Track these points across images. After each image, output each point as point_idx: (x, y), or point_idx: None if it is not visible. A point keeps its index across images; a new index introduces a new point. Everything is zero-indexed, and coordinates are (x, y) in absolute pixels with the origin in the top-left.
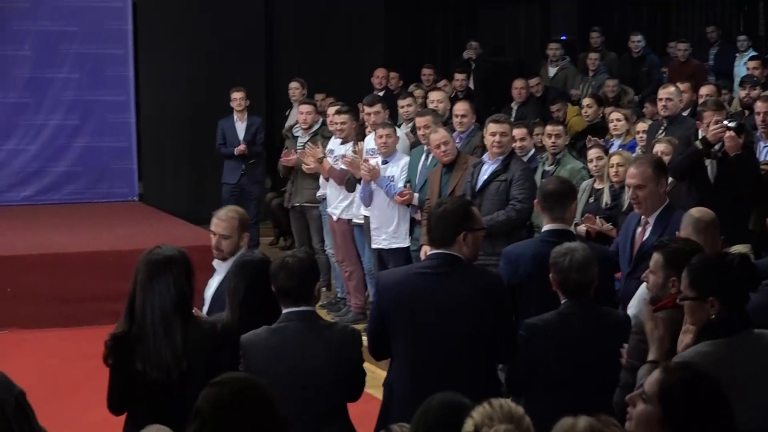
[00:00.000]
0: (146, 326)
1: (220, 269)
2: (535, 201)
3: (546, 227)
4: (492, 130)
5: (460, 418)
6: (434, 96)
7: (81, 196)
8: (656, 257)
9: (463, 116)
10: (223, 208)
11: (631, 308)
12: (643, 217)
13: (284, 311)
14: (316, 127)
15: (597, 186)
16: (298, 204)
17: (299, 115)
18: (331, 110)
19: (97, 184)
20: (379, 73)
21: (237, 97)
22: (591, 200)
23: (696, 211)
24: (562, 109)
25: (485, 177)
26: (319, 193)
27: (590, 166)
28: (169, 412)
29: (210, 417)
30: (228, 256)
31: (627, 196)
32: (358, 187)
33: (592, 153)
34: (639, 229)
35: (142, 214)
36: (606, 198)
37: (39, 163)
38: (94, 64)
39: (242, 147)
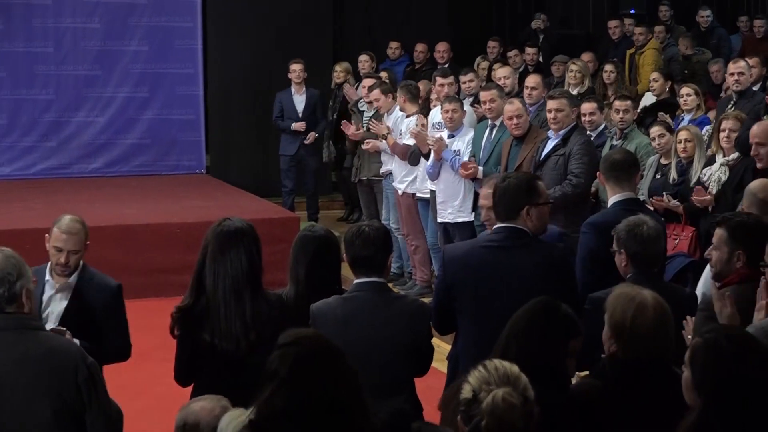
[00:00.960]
0: (217, 297)
1: (64, 287)
2: (598, 173)
3: (615, 198)
4: (548, 106)
5: None
6: (501, 72)
7: (149, 168)
8: (719, 232)
9: (533, 89)
10: (66, 218)
11: (701, 286)
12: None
13: (356, 281)
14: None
15: (663, 162)
16: (365, 178)
17: (363, 89)
18: (366, 82)
19: (165, 156)
20: (441, 47)
21: (296, 69)
22: (658, 176)
23: (756, 186)
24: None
25: (546, 151)
26: (382, 169)
27: (653, 144)
28: (235, 382)
29: (289, 376)
30: (74, 272)
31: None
32: (422, 161)
33: (654, 131)
34: None
35: (209, 187)
36: (673, 174)
37: (108, 136)
38: (163, 36)
39: (300, 124)
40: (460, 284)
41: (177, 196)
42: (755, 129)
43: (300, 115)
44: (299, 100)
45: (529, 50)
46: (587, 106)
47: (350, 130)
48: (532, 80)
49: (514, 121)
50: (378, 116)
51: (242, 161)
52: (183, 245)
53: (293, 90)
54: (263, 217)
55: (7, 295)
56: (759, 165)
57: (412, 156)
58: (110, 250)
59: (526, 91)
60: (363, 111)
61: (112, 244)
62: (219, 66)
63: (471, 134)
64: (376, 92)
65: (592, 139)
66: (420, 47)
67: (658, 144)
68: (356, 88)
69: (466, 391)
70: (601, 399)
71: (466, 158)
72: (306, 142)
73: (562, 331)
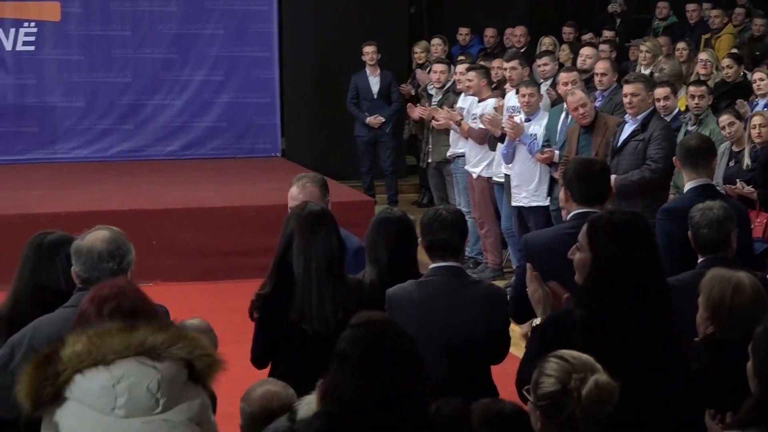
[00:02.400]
0: (307, 279)
1: None
2: (674, 158)
3: (691, 184)
4: (624, 90)
5: None
6: (585, 51)
7: (225, 151)
8: None
9: (603, 74)
10: None
11: None
12: None
13: (432, 266)
14: (447, 84)
15: (735, 149)
16: (434, 161)
17: (433, 74)
18: (461, 67)
19: (241, 139)
20: (518, 31)
21: (369, 51)
22: (731, 164)
23: None
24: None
25: (624, 136)
26: (449, 153)
27: (723, 133)
28: (316, 363)
29: (358, 358)
30: None
31: None
32: (499, 146)
33: (723, 120)
34: None
35: (284, 170)
36: (747, 160)
37: (184, 119)
38: (240, 20)
39: (374, 120)
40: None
41: (252, 179)
42: None
43: (374, 96)
44: (374, 82)
45: (607, 33)
46: (660, 91)
47: (415, 112)
48: (602, 66)
49: (580, 110)
50: (444, 102)
51: (317, 144)
52: (258, 228)
53: (368, 72)
54: (338, 200)
55: (116, 269)
56: None
57: (492, 140)
58: (186, 232)
59: (596, 77)
60: (432, 95)
61: (188, 227)
62: (294, 49)
63: (547, 118)
64: (472, 74)
65: None
66: (490, 32)
67: (729, 133)
68: (427, 72)
69: (550, 384)
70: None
71: (542, 142)
72: (369, 124)
73: None
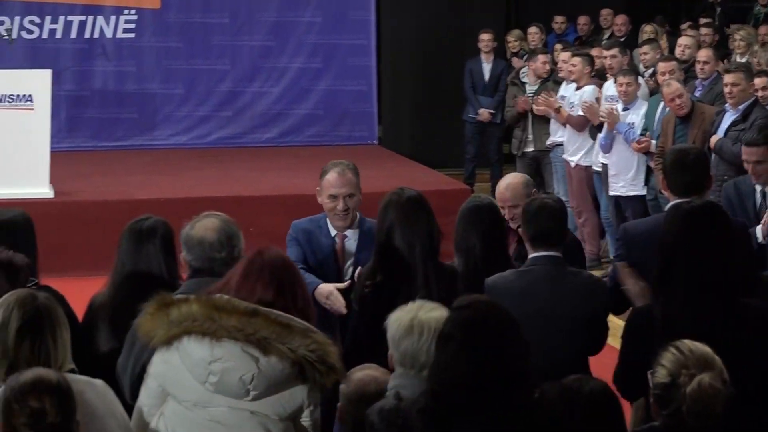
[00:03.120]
0: (412, 265)
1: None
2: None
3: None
4: (724, 80)
5: None
6: (683, 41)
7: (322, 138)
8: None
9: (705, 63)
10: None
11: None
12: None
13: (532, 255)
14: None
15: None
16: (532, 150)
17: (536, 63)
18: (565, 55)
19: (338, 127)
20: (619, 20)
21: (484, 39)
22: None
23: None
24: None
25: (724, 126)
26: (549, 141)
27: None
28: None
29: (462, 339)
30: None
31: None
32: (599, 135)
33: None
34: None
35: (380, 158)
36: None
37: (282, 106)
38: (337, 7)
39: (485, 113)
40: (644, 264)
41: None
42: None
43: (486, 83)
44: (487, 69)
45: (705, 21)
46: (759, 81)
47: (520, 105)
48: (703, 54)
49: (677, 101)
50: (543, 91)
51: (414, 132)
52: None
53: (482, 59)
54: (434, 188)
55: (228, 259)
56: None
57: (592, 129)
58: (282, 219)
59: (698, 66)
60: (525, 83)
61: (283, 214)
62: (392, 37)
63: (645, 107)
64: (577, 60)
65: None
66: (582, 20)
67: None
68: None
69: (662, 375)
70: None
71: (640, 132)
72: (478, 119)
73: None
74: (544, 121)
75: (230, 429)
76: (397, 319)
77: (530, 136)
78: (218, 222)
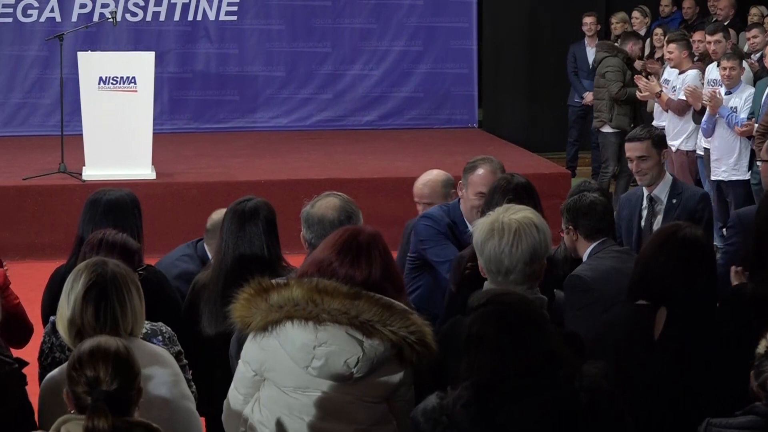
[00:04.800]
0: None
1: None
2: None
3: None
4: None
5: None
6: None
7: (422, 121)
8: None
9: None
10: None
11: None
12: None
13: (596, 243)
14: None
15: None
16: (613, 128)
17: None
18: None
19: (438, 110)
20: (721, 4)
21: (588, 22)
22: None
23: None
24: None
25: None
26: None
27: None
28: None
29: (492, 335)
30: None
31: None
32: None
33: None
34: None
35: (480, 141)
36: None
37: (382, 89)
38: None
39: (589, 97)
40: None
41: (449, 150)
42: None
43: (590, 66)
44: (591, 53)
45: None
46: None
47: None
48: None
49: None
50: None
51: (514, 115)
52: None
53: (586, 42)
54: (534, 172)
55: None
56: None
57: (695, 114)
58: (382, 202)
59: None
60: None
61: (385, 197)
62: (493, 20)
63: (749, 91)
64: (672, 46)
65: None
66: (687, 3)
67: None
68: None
69: (762, 346)
70: None
71: (743, 115)
72: (583, 103)
73: None
74: (627, 101)
75: (332, 412)
76: (480, 224)
77: (611, 115)
78: (338, 201)
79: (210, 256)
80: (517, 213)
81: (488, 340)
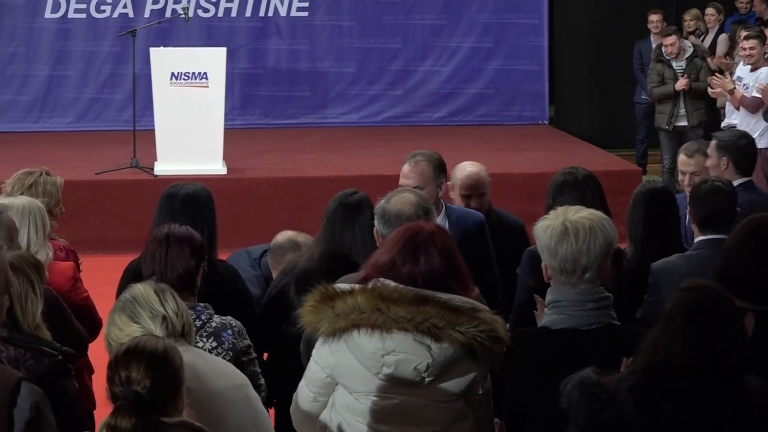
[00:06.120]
0: None
1: None
2: None
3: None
4: None
5: None
6: None
7: (492, 118)
8: None
9: None
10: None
11: None
12: None
13: (699, 239)
14: (689, 53)
15: None
16: (683, 125)
17: (665, 47)
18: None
19: (509, 107)
20: None
21: (653, 20)
22: None
23: None
24: None
25: None
26: (723, 123)
27: None
28: None
29: (683, 320)
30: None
31: None
32: None
33: None
34: None
35: (551, 138)
36: None
37: (453, 85)
38: None
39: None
40: None
41: (519, 146)
42: None
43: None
44: None
45: None
46: None
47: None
48: None
49: None
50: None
51: (585, 112)
52: (524, 196)
53: (652, 39)
54: (604, 169)
55: None
56: None
57: (766, 111)
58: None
59: None
60: (671, 60)
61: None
62: (565, 17)
63: None
64: (752, 42)
65: None
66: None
67: None
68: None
69: None
70: None
71: None
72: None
73: None
74: (696, 96)
75: (407, 417)
76: (548, 227)
77: (682, 111)
78: (414, 197)
79: (274, 275)
80: (582, 211)
81: (676, 322)
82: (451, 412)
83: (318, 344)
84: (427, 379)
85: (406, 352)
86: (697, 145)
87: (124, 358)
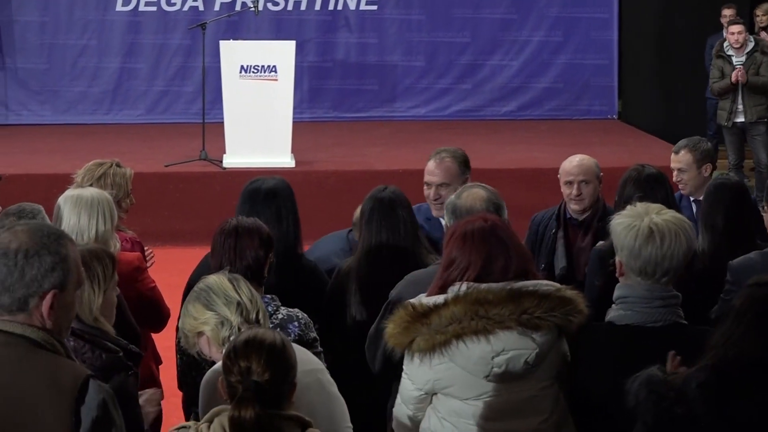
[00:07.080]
0: None
1: None
2: None
3: None
4: None
5: None
6: None
7: (561, 112)
8: None
9: None
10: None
11: None
12: None
13: None
14: (749, 47)
15: None
16: (741, 120)
17: (730, 35)
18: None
19: (577, 101)
20: None
21: (727, 14)
22: None
23: None
24: None
25: None
26: None
27: None
28: None
29: (753, 316)
30: None
31: None
32: None
33: None
34: None
35: (619, 132)
36: None
37: (521, 79)
38: None
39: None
40: None
41: (587, 141)
42: None
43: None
44: None
45: None
46: None
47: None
48: None
49: None
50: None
51: (654, 107)
52: None
53: (724, 34)
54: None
55: None
56: None
57: None
58: (520, 193)
59: None
60: (731, 56)
61: (522, 187)
62: (634, 11)
63: None
64: None
65: None
66: None
67: None
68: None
69: None
70: None
71: None
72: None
73: None
74: (755, 92)
75: (517, 411)
76: (632, 227)
77: (740, 107)
78: (485, 192)
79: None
80: (666, 213)
81: (748, 319)
82: (552, 398)
83: (410, 363)
84: (533, 369)
85: (514, 348)
86: (685, 142)
87: (244, 349)
